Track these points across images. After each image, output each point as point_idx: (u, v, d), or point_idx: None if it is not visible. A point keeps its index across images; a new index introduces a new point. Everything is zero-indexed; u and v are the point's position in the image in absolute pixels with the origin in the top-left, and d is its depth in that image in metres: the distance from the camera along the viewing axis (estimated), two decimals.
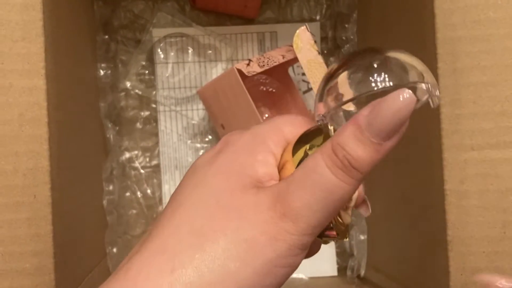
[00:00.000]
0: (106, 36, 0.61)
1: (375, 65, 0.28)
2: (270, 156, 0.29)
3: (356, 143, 0.25)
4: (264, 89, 0.61)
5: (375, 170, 0.26)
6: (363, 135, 0.25)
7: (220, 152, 0.30)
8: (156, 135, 0.64)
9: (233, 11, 0.63)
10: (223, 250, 0.25)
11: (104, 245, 0.57)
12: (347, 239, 0.35)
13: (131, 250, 0.29)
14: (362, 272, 0.59)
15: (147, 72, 0.64)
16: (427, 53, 0.40)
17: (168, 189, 0.63)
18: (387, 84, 0.27)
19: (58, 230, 0.38)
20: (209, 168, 0.29)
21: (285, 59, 0.54)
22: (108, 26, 0.62)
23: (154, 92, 0.63)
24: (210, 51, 0.64)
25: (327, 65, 0.53)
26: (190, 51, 0.64)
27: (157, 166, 0.64)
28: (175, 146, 0.63)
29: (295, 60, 0.54)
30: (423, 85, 0.27)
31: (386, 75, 0.27)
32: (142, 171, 0.63)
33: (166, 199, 0.63)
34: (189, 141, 0.64)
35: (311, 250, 0.30)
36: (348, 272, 0.61)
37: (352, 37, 0.61)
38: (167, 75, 0.63)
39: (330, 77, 0.30)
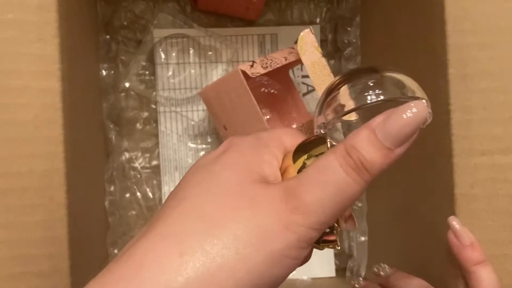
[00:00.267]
0: (108, 36, 0.61)
1: (371, 83, 0.29)
2: (274, 159, 0.30)
3: (369, 146, 0.26)
4: (266, 90, 0.61)
5: (384, 173, 0.27)
6: (377, 139, 0.26)
7: (224, 152, 0.30)
8: (156, 136, 0.64)
9: (235, 13, 0.63)
10: (234, 236, 0.25)
11: (106, 246, 0.56)
12: (339, 247, 0.37)
13: (128, 242, 0.28)
14: (362, 274, 0.60)
15: (147, 72, 0.63)
16: (437, 59, 0.41)
17: (168, 190, 0.63)
18: (381, 98, 0.29)
19: (73, 232, 0.38)
20: (214, 165, 0.29)
21: (287, 61, 0.54)
22: (109, 26, 0.62)
23: (154, 93, 0.63)
24: (210, 53, 0.64)
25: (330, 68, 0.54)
26: (191, 52, 0.63)
27: (157, 167, 0.64)
28: (175, 147, 0.63)
29: (297, 62, 0.54)
30: (423, 101, 0.28)
31: (380, 91, 0.29)
32: (142, 172, 0.63)
33: None
34: (189, 142, 0.64)
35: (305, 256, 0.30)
36: (348, 273, 0.61)
37: (354, 40, 0.61)
38: (167, 76, 0.63)
39: (330, 91, 0.31)
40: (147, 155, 0.63)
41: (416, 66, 0.45)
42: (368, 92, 0.29)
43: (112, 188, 0.58)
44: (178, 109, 0.63)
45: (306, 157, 0.30)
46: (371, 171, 0.26)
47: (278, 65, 0.53)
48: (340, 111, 0.30)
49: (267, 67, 0.53)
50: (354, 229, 0.33)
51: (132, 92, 0.63)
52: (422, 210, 0.47)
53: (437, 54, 0.41)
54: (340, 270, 0.64)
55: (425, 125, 0.28)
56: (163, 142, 0.63)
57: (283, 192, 0.27)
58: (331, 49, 0.66)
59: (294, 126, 0.61)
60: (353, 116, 0.34)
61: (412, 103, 0.26)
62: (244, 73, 0.51)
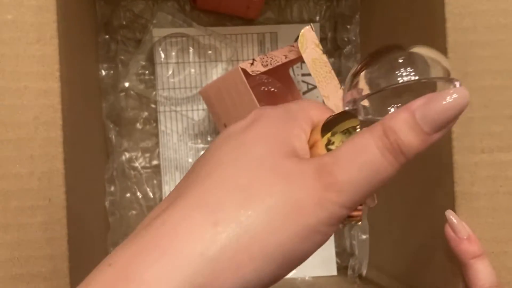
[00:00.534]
0: (107, 36, 0.61)
1: (404, 61, 0.29)
2: (302, 132, 0.30)
3: (408, 130, 0.26)
4: (266, 89, 0.61)
5: None
6: (416, 123, 0.26)
7: (254, 121, 0.30)
8: (156, 135, 0.64)
9: (235, 11, 0.63)
10: (268, 208, 0.25)
11: (107, 246, 0.56)
12: (361, 223, 0.37)
13: (154, 209, 0.28)
14: (364, 272, 0.60)
15: (147, 72, 0.63)
16: None
17: (168, 189, 0.63)
18: (412, 78, 0.28)
19: (72, 233, 0.38)
20: (246, 135, 0.29)
21: (288, 59, 0.54)
22: (108, 26, 0.62)
23: (154, 93, 0.63)
24: (210, 52, 0.64)
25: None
26: (190, 51, 0.63)
27: (157, 166, 0.63)
28: (175, 146, 0.63)
29: (297, 60, 0.54)
30: (457, 83, 0.28)
31: (412, 69, 0.29)
32: (142, 171, 0.63)
33: None
34: (189, 142, 0.64)
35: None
36: (349, 272, 0.61)
37: (354, 38, 0.61)
38: (167, 75, 0.63)
39: (362, 68, 0.31)
40: (147, 155, 0.63)
41: None
42: (400, 71, 0.29)
43: (112, 188, 0.58)
44: (178, 109, 0.63)
45: (330, 134, 0.30)
46: (407, 154, 0.26)
47: (278, 63, 0.53)
48: (372, 88, 0.30)
49: (267, 65, 0.52)
50: (373, 205, 0.33)
51: (131, 92, 0.63)
52: (423, 208, 0.47)
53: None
54: (342, 268, 0.64)
55: None
56: (163, 141, 0.63)
57: (317, 168, 0.26)
58: (331, 47, 0.66)
59: None
60: (366, 102, 0.34)
61: (454, 89, 0.26)
62: (244, 71, 0.51)
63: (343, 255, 0.64)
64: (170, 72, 0.63)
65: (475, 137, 0.40)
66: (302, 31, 0.52)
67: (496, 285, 0.38)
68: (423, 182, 0.46)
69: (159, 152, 0.63)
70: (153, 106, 0.63)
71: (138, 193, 0.62)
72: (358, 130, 0.31)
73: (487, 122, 0.40)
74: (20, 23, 0.37)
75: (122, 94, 0.63)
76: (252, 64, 0.52)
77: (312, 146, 0.30)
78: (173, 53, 0.63)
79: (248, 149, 0.28)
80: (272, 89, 0.62)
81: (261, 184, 0.26)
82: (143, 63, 0.63)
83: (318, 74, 0.51)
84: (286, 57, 0.54)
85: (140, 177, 0.63)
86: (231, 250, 0.24)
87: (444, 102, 0.25)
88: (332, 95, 0.51)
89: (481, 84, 0.40)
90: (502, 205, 0.40)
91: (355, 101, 0.31)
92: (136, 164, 0.63)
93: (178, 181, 0.62)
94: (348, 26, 0.62)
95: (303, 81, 0.65)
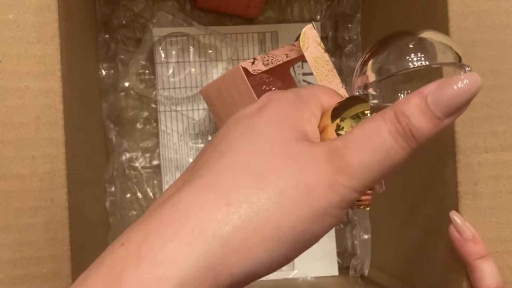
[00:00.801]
0: (107, 36, 0.61)
1: (411, 46, 0.30)
2: (313, 117, 0.30)
3: (420, 114, 0.26)
4: (267, 88, 0.61)
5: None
6: (428, 108, 0.26)
7: (265, 105, 0.30)
8: (157, 135, 0.63)
9: (235, 11, 0.63)
10: (280, 192, 0.25)
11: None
12: (369, 208, 0.38)
13: (166, 190, 0.28)
14: (366, 272, 0.60)
15: (147, 71, 0.63)
16: None
17: None
18: (423, 63, 0.29)
19: (74, 234, 0.38)
20: (258, 118, 0.29)
21: (289, 58, 0.54)
22: (108, 25, 0.61)
23: (154, 92, 0.63)
24: (210, 51, 0.63)
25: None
26: (190, 51, 0.63)
27: (158, 166, 0.63)
28: (176, 146, 0.63)
29: (298, 59, 0.54)
30: (466, 68, 0.28)
31: (422, 54, 0.29)
32: (142, 172, 0.63)
33: None
34: (190, 142, 0.63)
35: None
36: (351, 272, 0.61)
37: (355, 37, 0.61)
38: (167, 74, 0.63)
39: (372, 53, 0.32)
40: (148, 155, 0.63)
41: None
42: (411, 56, 0.29)
43: (112, 189, 0.58)
44: (179, 108, 0.63)
45: (340, 119, 0.31)
46: (418, 139, 0.26)
47: (279, 62, 0.53)
48: (383, 74, 0.30)
49: (268, 64, 0.52)
50: (381, 191, 0.33)
51: (132, 92, 0.63)
52: (425, 208, 0.47)
53: None
54: (343, 268, 0.64)
55: None
56: (163, 141, 0.63)
57: (328, 152, 0.27)
58: (332, 46, 0.65)
59: None
60: (372, 91, 0.34)
61: (465, 75, 0.26)
62: (245, 70, 0.51)
63: (345, 255, 0.64)
64: (170, 72, 0.63)
65: (478, 137, 0.40)
66: (304, 29, 0.52)
67: (502, 285, 0.38)
68: (426, 182, 0.46)
69: (159, 152, 0.63)
70: (153, 105, 0.63)
71: (139, 194, 0.62)
72: (368, 115, 0.31)
73: (490, 121, 0.40)
74: (21, 23, 0.36)
75: (122, 94, 0.62)
76: (253, 63, 0.51)
77: (322, 131, 0.30)
78: (173, 53, 0.63)
79: (260, 133, 0.28)
80: (273, 88, 0.61)
81: (273, 167, 0.26)
82: (143, 63, 0.63)
83: (319, 73, 0.51)
84: (287, 56, 0.54)
85: (140, 177, 0.63)
86: (243, 230, 0.25)
87: (456, 87, 0.26)
88: None
89: (483, 84, 0.39)
90: (506, 204, 0.40)
91: (365, 87, 0.31)
92: (137, 164, 0.63)
93: None
94: (349, 25, 0.62)
95: (304, 81, 0.65)
